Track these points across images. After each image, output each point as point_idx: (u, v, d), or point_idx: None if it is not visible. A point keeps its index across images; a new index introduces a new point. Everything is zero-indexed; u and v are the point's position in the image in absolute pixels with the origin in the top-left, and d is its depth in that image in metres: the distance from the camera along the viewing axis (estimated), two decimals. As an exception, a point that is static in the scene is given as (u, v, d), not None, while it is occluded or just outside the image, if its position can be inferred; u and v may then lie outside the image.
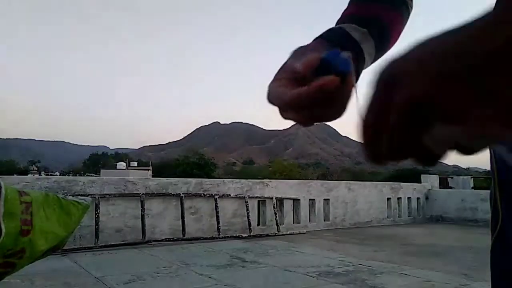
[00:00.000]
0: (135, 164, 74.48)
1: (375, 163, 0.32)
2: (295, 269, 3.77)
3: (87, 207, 1.74)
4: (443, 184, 12.46)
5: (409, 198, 8.67)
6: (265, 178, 6.86)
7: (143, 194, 5.16)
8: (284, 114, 0.40)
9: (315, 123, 0.40)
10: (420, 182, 9.67)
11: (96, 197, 4.74)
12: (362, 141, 0.32)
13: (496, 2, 0.27)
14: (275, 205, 6.30)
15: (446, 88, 0.25)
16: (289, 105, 0.38)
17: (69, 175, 42.32)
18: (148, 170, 52.10)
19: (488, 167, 0.53)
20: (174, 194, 5.42)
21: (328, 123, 0.44)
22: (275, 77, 0.43)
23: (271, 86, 0.41)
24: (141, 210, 5.07)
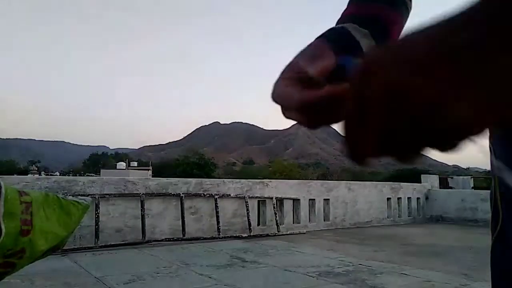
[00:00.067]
0: (135, 164, 74.51)
1: (355, 160, 0.32)
2: (295, 269, 3.77)
3: (87, 207, 1.74)
4: (443, 184, 12.46)
5: (409, 198, 8.67)
6: (265, 178, 6.86)
7: (143, 194, 5.16)
8: (288, 113, 0.39)
9: (318, 127, 0.39)
10: (420, 182, 9.67)
11: (96, 197, 4.74)
12: (343, 137, 0.31)
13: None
14: (275, 205, 6.30)
15: (421, 75, 0.25)
16: (298, 107, 0.38)
17: (69, 175, 42.32)
18: (148, 170, 52.10)
19: (488, 167, 0.53)
20: (174, 194, 5.42)
21: None
22: (281, 76, 0.42)
23: (277, 85, 0.40)
24: (141, 210, 5.07)
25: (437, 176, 10.70)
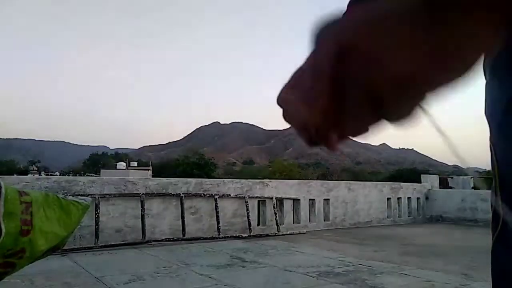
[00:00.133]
0: (135, 164, 74.49)
1: (319, 140, 0.33)
2: (295, 269, 3.77)
3: (87, 207, 1.74)
4: (443, 184, 12.46)
5: (409, 198, 8.67)
6: (265, 178, 6.85)
7: (143, 194, 5.16)
8: (289, 123, 0.38)
9: (317, 146, 0.38)
10: (420, 182, 9.67)
11: (96, 197, 4.74)
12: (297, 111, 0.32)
13: None
14: (275, 205, 6.30)
15: (370, 33, 0.26)
16: (303, 125, 0.37)
17: (69, 175, 42.32)
18: (148, 170, 52.10)
19: (488, 167, 0.53)
20: (174, 194, 5.42)
21: None
22: (290, 83, 0.39)
23: (285, 93, 0.38)
24: (141, 210, 5.07)
25: (437, 176, 10.70)
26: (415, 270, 3.78)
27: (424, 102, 0.28)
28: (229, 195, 5.92)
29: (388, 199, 8.24)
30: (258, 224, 6.26)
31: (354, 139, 0.33)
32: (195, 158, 45.34)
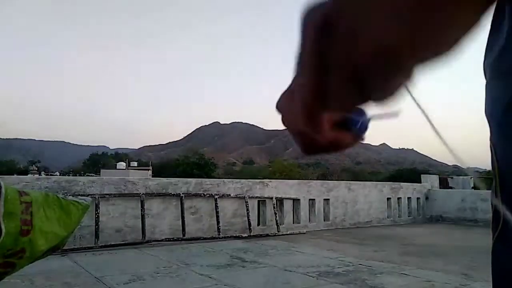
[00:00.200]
0: (135, 164, 74.49)
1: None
2: (295, 269, 3.77)
3: (87, 207, 1.74)
4: (443, 184, 12.46)
5: (409, 198, 8.67)
6: (265, 178, 6.85)
7: (143, 194, 5.16)
8: (286, 125, 0.39)
9: (313, 155, 0.40)
10: (420, 182, 9.67)
11: (96, 197, 4.74)
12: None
13: None
14: (275, 205, 6.30)
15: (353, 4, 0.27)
16: (298, 133, 0.38)
17: (69, 175, 42.33)
18: (148, 170, 52.11)
19: (488, 167, 0.53)
20: (174, 194, 5.42)
21: None
22: (287, 92, 0.40)
23: (282, 101, 0.39)
24: (141, 210, 5.07)
25: (437, 176, 10.70)
26: (415, 270, 3.78)
27: (409, 78, 0.28)
28: (229, 195, 5.92)
29: (388, 199, 8.24)
30: (258, 224, 6.26)
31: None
32: (195, 158, 45.35)
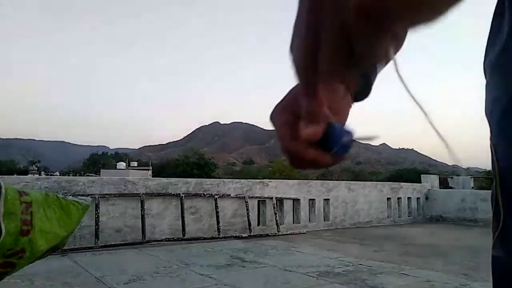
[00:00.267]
0: (135, 164, 74.52)
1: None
2: (295, 269, 3.77)
3: (87, 207, 1.74)
4: (443, 184, 12.46)
5: (409, 198, 8.67)
6: (265, 178, 6.85)
7: (143, 194, 5.16)
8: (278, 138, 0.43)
9: (302, 169, 0.43)
10: (420, 182, 9.67)
11: (96, 197, 4.74)
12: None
13: None
14: (275, 205, 6.30)
15: None
16: (285, 154, 0.41)
17: (69, 175, 42.35)
18: (148, 170, 52.12)
19: (488, 167, 0.53)
20: (174, 194, 5.42)
21: None
22: (280, 106, 0.43)
23: (275, 115, 0.42)
24: (141, 210, 5.07)
25: (437, 176, 10.70)
26: (415, 270, 3.78)
27: (395, 44, 0.29)
28: (229, 195, 5.91)
29: (388, 199, 8.24)
30: (258, 224, 6.26)
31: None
32: (195, 158, 45.36)
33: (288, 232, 6.24)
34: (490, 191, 0.53)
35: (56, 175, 46.10)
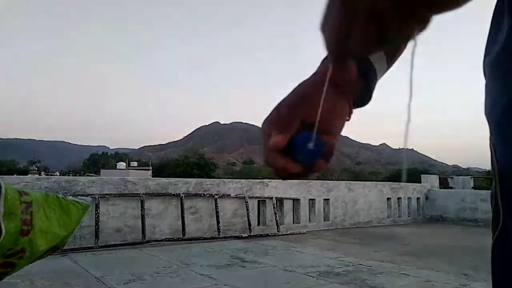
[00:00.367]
0: (135, 164, 74.56)
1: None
2: (295, 269, 3.77)
3: (87, 207, 1.74)
4: (443, 184, 12.45)
5: (409, 198, 8.67)
6: (265, 178, 6.85)
7: (143, 194, 5.16)
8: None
9: (286, 179, 0.46)
10: (420, 182, 9.67)
11: (96, 197, 4.74)
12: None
13: None
14: (275, 205, 6.30)
15: None
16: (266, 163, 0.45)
17: (69, 175, 42.33)
18: (148, 170, 52.13)
19: (488, 167, 0.53)
20: (174, 194, 5.42)
21: None
22: (266, 120, 0.46)
23: (262, 129, 0.46)
24: (141, 210, 5.07)
25: (437, 176, 10.70)
26: (415, 270, 3.78)
27: (423, 26, 0.32)
28: (229, 195, 5.91)
29: (388, 199, 8.24)
30: (258, 224, 6.26)
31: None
32: (195, 158, 45.36)
33: (288, 232, 6.24)
34: (490, 191, 0.53)
35: (56, 175, 46.09)
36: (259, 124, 0.48)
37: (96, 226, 4.68)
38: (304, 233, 6.38)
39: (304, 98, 0.46)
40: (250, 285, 3.27)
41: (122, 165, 58.45)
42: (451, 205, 8.69)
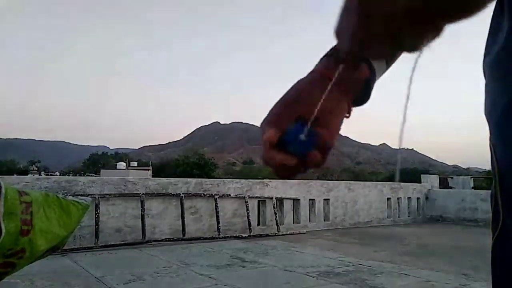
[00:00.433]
0: (135, 164, 74.58)
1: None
2: (295, 269, 3.77)
3: (87, 207, 1.74)
4: (443, 184, 12.44)
5: (409, 198, 8.67)
6: (265, 178, 6.85)
7: (143, 194, 5.16)
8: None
9: (287, 178, 0.47)
10: (420, 182, 9.67)
11: (96, 197, 4.74)
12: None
13: None
14: (275, 205, 6.30)
15: None
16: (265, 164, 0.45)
17: (69, 175, 42.34)
18: (148, 170, 52.14)
19: (488, 167, 0.53)
20: (174, 194, 5.42)
21: None
22: (265, 119, 0.47)
23: (263, 126, 0.47)
24: (141, 210, 5.07)
25: (437, 176, 10.69)
26: (415, 270, 3.78)
27: (436, 33, 0.33)
28: (229, 195, 5.91)
29: (388, 199, 8.23)
30: (258, 224, 6.26)
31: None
32: (195, 158, 45.36)
33: (288, 232, 6.24)
34: (490, 191, 0.53)
35: (56, 175, 46.10)
36: (259, 124, 0.48)
37: (96, 226, 4.68)
38: (304, 233, 6.38)
39: (301, 96, 0.46)
40: (250, 285, 3.27)
41: (122, 165, 58.46)
42: (451, 205, 8.69)
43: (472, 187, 13.20)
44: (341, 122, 0.48)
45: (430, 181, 9.74)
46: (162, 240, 5.11)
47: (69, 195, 2.71)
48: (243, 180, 6.40)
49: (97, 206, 4.70)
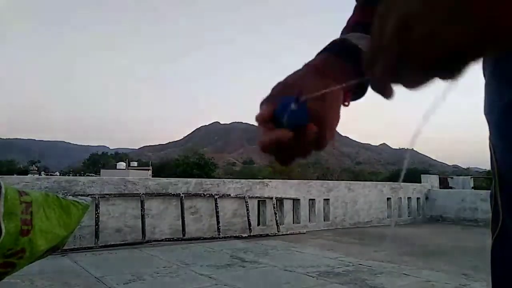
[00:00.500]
0: (135, 164, 74.55)
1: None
2: (295, 269, 3.77)
3: (87, 207, 1.74)
4: (443, 184, 12.44)
5: (409, 198, 8.67)
6: (265, 178, 6.85)
7: (143, 194, 5.16)
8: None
9: (287, 164, 0.46)
10: (420, 182, 9.67)
11: (96, 197, 4.74)
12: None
13: None
14: (275, 205, 6.30)
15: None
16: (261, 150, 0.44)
17: (69, 175, 42.33)
18: (148, 170, 52.13)
19: (488, 167, 0.53)
20: (174, 194, 5.42)
21: None
22: (262, 103, 0.47)
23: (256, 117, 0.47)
24: (141, 210, 5.07)
25: (437, 176, 10.69)
26: (415, 270, 3.77)
27: (467, 67, 0.32)
28: (229, 195, 5.91)
29: (388, 199, 8.23)
30: (258, 224, 6.26)
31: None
32: (195, 158, 45.33)
33: (288, 232, 6.23)
34: (490, 191, 0.53)
35: (56, 175, 46.10)
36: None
37: (96, 226, 4.68)
38: (304, 233, 6.38)
39: (294, 84, 0.47)
40: (250, 285, 3.27)
41: (122, 165, 58.43)
42: (451, 205, 8.69)
43: (472, 187, 13.20)
44: (339, 107, 0.49)
45: (430, 181, 9.74)
46: (162, 240, 5.11)
47: (69, 195, 2.71)
48: (243, 180, 6.40)
49: (97, 206, 4.70)
